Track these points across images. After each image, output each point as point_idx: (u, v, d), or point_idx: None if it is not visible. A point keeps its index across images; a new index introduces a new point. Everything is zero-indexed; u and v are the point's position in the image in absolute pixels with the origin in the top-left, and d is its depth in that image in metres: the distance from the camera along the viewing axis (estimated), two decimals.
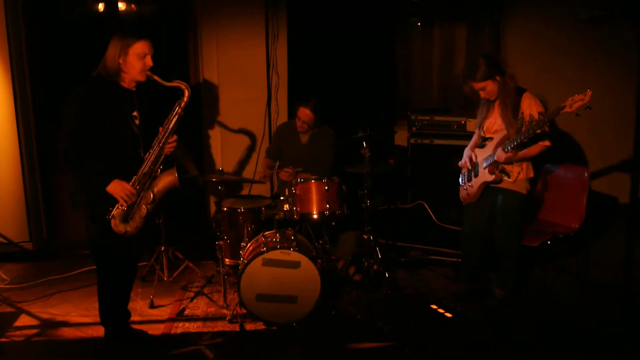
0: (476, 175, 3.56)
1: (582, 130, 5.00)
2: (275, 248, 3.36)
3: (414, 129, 4.77)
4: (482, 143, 3.58)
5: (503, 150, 3.30)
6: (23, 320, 3.59)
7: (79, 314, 3.65)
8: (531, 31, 5.04)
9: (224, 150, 5.13)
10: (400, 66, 5.29)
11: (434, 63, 5.33)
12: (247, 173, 5.11)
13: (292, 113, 4.82)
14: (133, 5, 4.85)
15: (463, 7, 5.17)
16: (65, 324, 3.53)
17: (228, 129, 5.07)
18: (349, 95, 4.97)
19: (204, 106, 5.08)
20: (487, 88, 3.33)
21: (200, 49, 5.00)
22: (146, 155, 2.96)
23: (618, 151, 4.95)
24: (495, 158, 3.34)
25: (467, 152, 3.66)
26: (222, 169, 3.90)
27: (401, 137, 5.09)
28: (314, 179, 3.66)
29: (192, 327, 3.46)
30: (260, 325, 3.44)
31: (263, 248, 3.39)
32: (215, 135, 5.12)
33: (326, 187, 3.62)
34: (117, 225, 2.91)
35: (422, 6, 5.20)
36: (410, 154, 4.84)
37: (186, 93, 2.94)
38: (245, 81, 5.02)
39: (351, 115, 4.74)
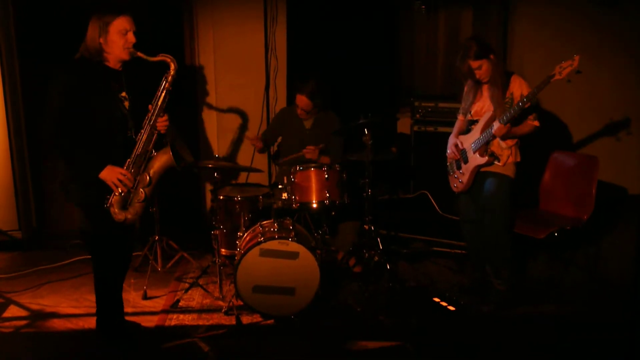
0: (466, 162, 3.53)
1: (591, 118, 4.91)
2: (272, 238, 3.30)
3: (417, 115, 4.73)
4: (467, 127, 3.57)
5: (500, 122, 3.29)
6: (12, 311, 3.53)
7: (69, 305, 3.59)
8: (540, 16, 4.92)
9: (220, 137, 5.04)
10: (404, 51, 5.21)
11: (439, 48, 5.25)
12: (244, 160, 5.01)
13: (291, 99, 4.71)
14: None
15: None
16: (55, 315, 3.47)
17: (224, 115, 4.98)
18: (350, 81, 4.87)
19: (200, 91, 5.00)
20: (483, 67, 3.33)
21: (195, 32, 4.90)
22: (138, 136, 2.85)
23: (628, 140, 4.86)
24: (494, 132, 3.32)
25: (452, 140, 3.64)
26: (218, 156, 3.82)
27: (404, 124, 5.03)
28: (313, 167, 3.58)
29: (187, 319, 3.41)
30: (257, 318, 3.39)
31: (260, 238, 3.32)
32: (211, 121, 5.03)
33: (326, 176, 3.55)
34: (117, 214, 2.81)
35: None
36: (414, 141, 4.81)
37: (172, 66, 2.82)
38: (243, 65, 4.93)
39: (353, 101, 4.67)
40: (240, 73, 4.92)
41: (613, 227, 4.42)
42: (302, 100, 4.00)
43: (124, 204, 2.83)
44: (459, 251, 4.20)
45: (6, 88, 4.48)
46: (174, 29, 4.92)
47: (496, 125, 3.31)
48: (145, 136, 2.83)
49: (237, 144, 5.04)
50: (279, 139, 4.38)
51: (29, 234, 4.73)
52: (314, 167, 3.58)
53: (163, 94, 2.84)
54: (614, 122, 4.90)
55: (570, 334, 3.17)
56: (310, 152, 4.00)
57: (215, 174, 3.61)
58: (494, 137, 3.37)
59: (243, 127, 5.01)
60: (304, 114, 4.07)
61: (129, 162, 2.82)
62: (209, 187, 5.00)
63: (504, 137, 3.34)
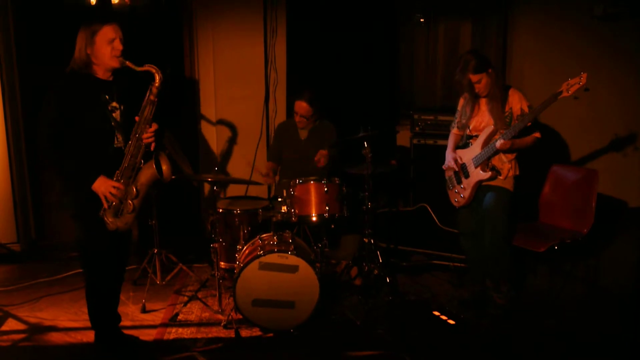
0: (467, 177, 3.53)
1: (591, 131, 4.92)
2: (272, 251, 3.28)
3: (417, 128, 4.73)
4: (465, 142, 3.57)
5: (503, 138, 3.30)
6: (10, 324, 3.50)
7: (67, 319, 3.57)
8: (540, 28, 4.94)
9: (220, 150, 5.03)
10: (403, 63, 5.22)
11: (438, 60, 5.26)
12: (244, 173, 5.00)
13: (290, 111, 4.71)
14: None
15: (469, 2, 5.10)
16: (53, 328, 3.45)
17: (224, 128, 4.99)
18: (350, 94, 4.89)
19: (200, 103, 4.99)
20: (482, 81, 3.35)
21: (195, 44, 4.92)
22: (126, 149, 2.86)
23: (628, 153, 4.87)
24: (497, 147, 3.32)
25: (449, 154, 3.63)
26: (217, 169, 3.80)
27: (403, 137, 5.04)
28: (313, 180, 3.57)
29: (186, 332, 3.38)
30: (256, 332, 3.37)
31: (260, 251, 3.31)
32: (211, 134, 5.03)
33: (325, 189, 3.55)
34: (110, 223, 2.83)
35: (426, 1, 5.13)
36: (413, 154, 4.80)
37: (157, 77, 2.82)
38: (243, 78, 4.94)
39: (352, 114, 4.68)
40: (240, 85, 4.94)
41: (613, 240, 4.40)
42: (301, 106, 4.01)
43: (116, 213, 2.85)
44: (459, 264, 4.18)
45: (5, 99, 4.49)
46: (174, 41, 4.94)
47: (499, 141, 3.32)
48: (132, 148, 2.84)
49: (236, 156, 5.04)
50: None
51: (27, 246, 4.72)
52: (313, 180, 3.57)
53: (148, 106, 2.83)
54: (613, 135, 4.91)
55: (571, 347, 3.15)
56: (321, 157, 3.91)
57: (215, 187, 3.61)
58: (496, 152, 3.37)
59: (243, 140, 5.01)
60: (303, 121, 4.06)
61: (117, 173, 2.84)
62: (208, 199, 5.00)
63: (508, 151, 3.34)
